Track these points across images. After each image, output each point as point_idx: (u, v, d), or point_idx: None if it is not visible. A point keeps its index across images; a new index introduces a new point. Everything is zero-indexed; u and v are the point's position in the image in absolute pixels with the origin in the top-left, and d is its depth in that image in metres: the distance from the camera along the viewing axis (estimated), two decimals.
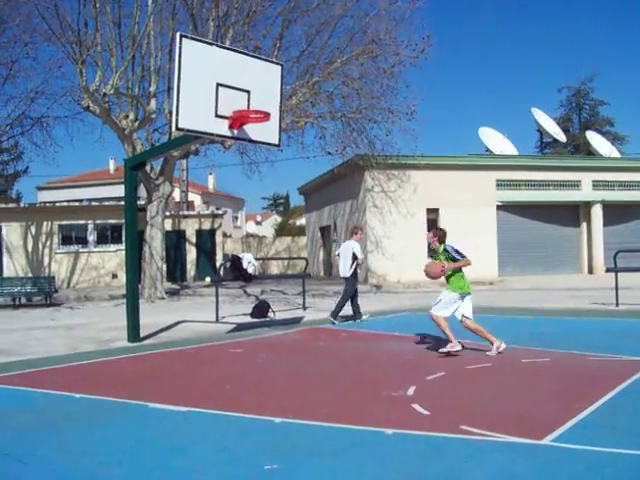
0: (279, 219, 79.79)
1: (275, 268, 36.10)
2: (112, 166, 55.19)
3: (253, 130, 10.54)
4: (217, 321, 14.86)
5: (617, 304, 16.07)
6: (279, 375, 8.61)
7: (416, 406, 6.53)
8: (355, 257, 14.26)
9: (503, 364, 8.94)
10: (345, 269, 14.46)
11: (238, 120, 10.18)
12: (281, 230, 59.65)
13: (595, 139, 37.57)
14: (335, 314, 14.22)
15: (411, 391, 7.24)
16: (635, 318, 13.94)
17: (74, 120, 26.49)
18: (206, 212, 35.25)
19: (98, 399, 7.16)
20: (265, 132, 10.81)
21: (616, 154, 37.15)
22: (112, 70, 20.08)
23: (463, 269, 10.42)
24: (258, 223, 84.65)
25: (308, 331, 13.26)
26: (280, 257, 37.03)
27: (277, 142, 11.24)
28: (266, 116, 10.14)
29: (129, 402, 6.98)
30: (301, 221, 61.86)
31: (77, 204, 32.86)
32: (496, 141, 35.02)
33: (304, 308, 17.34)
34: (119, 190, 45.67)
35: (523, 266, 29.37)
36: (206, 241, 33.17)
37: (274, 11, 20.60)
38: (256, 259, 16.38)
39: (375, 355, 10.12)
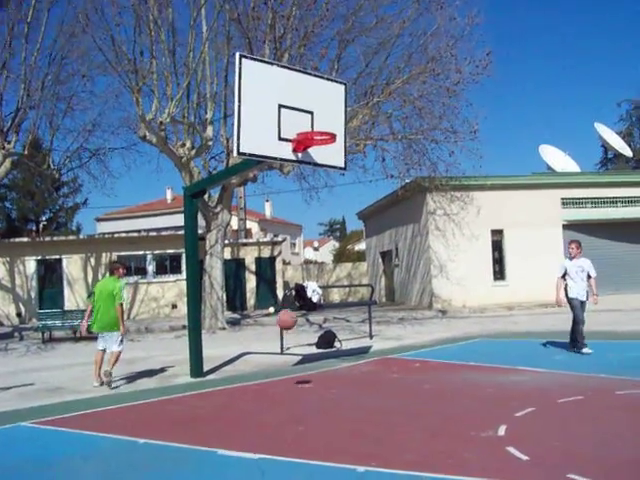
0: (336, 244, 79.30)
1: (336, 295, 35.46)
2: (169, 195, 55.57)
3: (317, 153, 10.04)
4: (282, 352, 14.31)
5: None
6: (354, 413, 7.98)
7: (512, 449, 5.88)
8: (589, 276, 12.39)
9: (595, 397, 8.21)
10: (581, 290, 12.25)
11: (302, 143, 9.70)
12: (340, 256, 59.00)
13: None
14: (578, 344, 12.27)
15: (502, 431, 6.59)
16: None
17: (130, 151, 26.53)
18: (265, 240, 34.94)
19: (163, 445, 6.66)
20: (330, 155, 10.30)
21: None
22: (168, 98, 19.93)
23: None
24: (315, 249, 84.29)
25: (378, 362, 12.61)
26: (343, 285, 36.37)
27: (343, 165, 10.72)
28: (332, 138, 9.64)
29: (196, 448, 6.45)
30: (360, 246, 61.23)
31: (135, 234, 32.87)
32: (557, 158, 33.92)
33: (371, 337, 16.68)
34: (176, 220, 45.84)
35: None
36: (266, 269, 32.80)
37: (331, 32, 20.22)
38: (321, 287, 15.76)
39: (454, 388, 9.43)
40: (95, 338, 11.70)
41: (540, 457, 5.69)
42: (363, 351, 14.12)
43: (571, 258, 12.39)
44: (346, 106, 10.75)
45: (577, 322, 12.25)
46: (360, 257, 48.01)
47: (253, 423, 7.62)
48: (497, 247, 27.57)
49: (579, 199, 28.43)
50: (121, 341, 11.04)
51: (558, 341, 14.49)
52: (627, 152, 36.26)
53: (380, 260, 35.65)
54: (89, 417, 8.37)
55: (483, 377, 10.23)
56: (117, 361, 11.00)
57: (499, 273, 27.52)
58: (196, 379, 11.15)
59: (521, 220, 27.06)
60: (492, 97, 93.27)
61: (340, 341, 15.24)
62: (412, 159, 22.06)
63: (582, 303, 12.31)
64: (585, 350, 12.00)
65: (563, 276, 12.41)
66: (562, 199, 28.16)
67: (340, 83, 10.89)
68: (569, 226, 28.09)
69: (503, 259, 27.53)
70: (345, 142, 10.76)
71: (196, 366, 11.37)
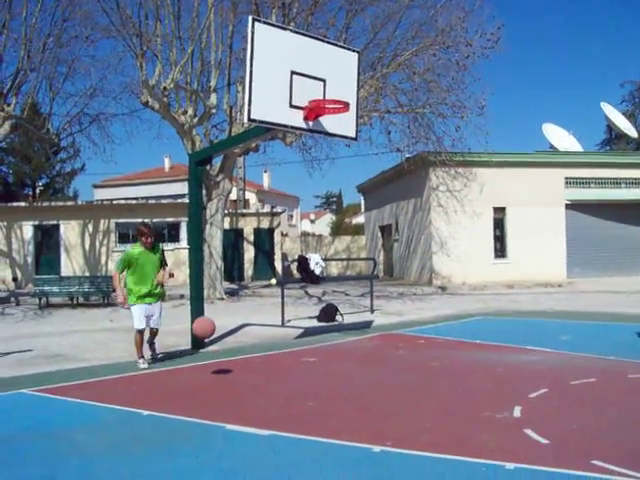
0: (333, 217, 79.04)
1: (334, 269, 35.27)
2: (167, 164, 55.13)
3: (329, 122, 9.77)
4: (283, 325, 14.14)
5: None
6: (363, 390, 7.79)
7: (530, 432, 5.69)
8: None
9: (607, 379, 8.02)
10: None
11: (314, 111, 9.42)
12: (337, 229, 58.81)
13: None
14: None
15: (517, 412, 6.40)
16: None
17: (132, 117, 26.07)
18: (264, 210, 34.68)
19: (168, 418, 6.45)
20: (341, 124, 10.03)
21: None
22: (171, 64, 19.58)
23: None
24: (312, 222, 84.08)
25: (382, 337, 12.42)
26: (345, 258, 36.19)
27: (354, 135, 10.46)
28: (345, 106, 9.37)
29: (203, 423, 6.24)
30: (357, 220, 61.03)
31: (134, 202, 32.57)
32: (560, 138, 33.71)
33: (372, 311, 16.52)
34: (173, 188, 45.48)
35: (592, 267, 28.00)
36: (264, 240, 32.59)
37: (339, 1, 19.83)
38: (323, 260, 15.55)
39: (463, 367, 9.25)
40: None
41: (561, 441, 5.49)
42: (365, 326, 13.96)
43: None
44: (359, 75, 10.47)
45: None
46: (357, 230, 47.83)
47: (260, 397, 7.42)
48: (499, 225, 27.40)
49: (583, 179, 28.22)
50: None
51: (563, 321, 14.38)
52: (632, 133, 35.97)
53: (379, 234, 35.47)
54: (90, 386, 8.18)
55: (491, 356, 10.05)
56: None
57: (500, 251, 27.38)
58: (198, 350, 10.96)
59: (524, 198, 26.89)
60: (499, 74, 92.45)
61: (342, 315, 15.07)
62: (418, 133, 21.79)
63: None
64: None
65: None
66: (566, 178, 27.96)
67: (353, 51, 10.59)
68: (572, 206, 27.93)
69: (504, 237, 27.39)
70: (357, 112, 10.50)
71: None
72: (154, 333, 9.86)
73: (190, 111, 20.83)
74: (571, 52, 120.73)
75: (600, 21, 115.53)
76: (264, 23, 9.27)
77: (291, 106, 9.28)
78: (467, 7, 20.37)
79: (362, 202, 47.74)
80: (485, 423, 6.11)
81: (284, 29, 9.87)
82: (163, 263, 9.78)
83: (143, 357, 9.44)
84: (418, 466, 4.98)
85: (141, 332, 9.45)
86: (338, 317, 14.89)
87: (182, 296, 20.88)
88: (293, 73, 9.28)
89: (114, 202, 32.93)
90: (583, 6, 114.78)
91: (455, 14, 20.09)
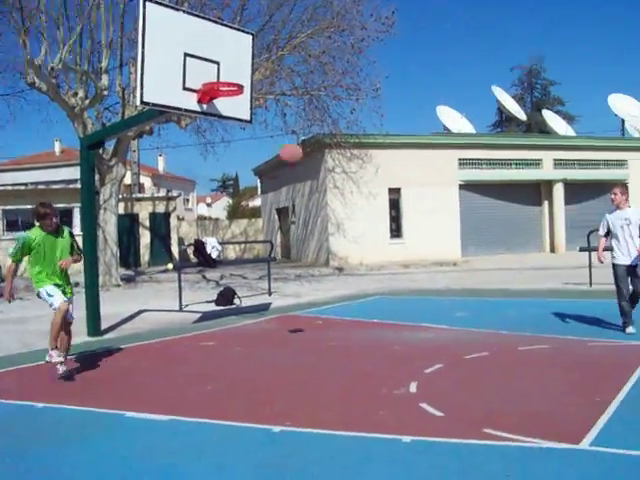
0: (230, 201, 78.58)
1: (232, 252, 35.15)
2: (58, 148, 53.37)
3: (223, 105, 9.70)
4: (181, 310, 14.00)
5: (590, 284, 15.69)
6: (262, 372, 7.84)
7: (425, 406, 5.90)
8: None
9: (500, 352, 8.37)
10: (628, 252, 9.34)
11: (208, 93, 9.33)
12: (234, 212, 58.45)
13: (551, 118, 37.45)
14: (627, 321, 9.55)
15: (414, 387, 6.62)
16: (611, 298, 13.44)
17: (16, 98, 24.74)
18: (160, 195, 34.15)
19: (66, 408, 6.31)
20: (236, 107, 9.98)
21: (571, 133, 37.03)
22: (59, 43, 18.79)
23: None
24: (209, 205, 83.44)
25: (280, 319, 12.50)
26: (242, 241, 36.11)
27: (249, 118, 10.41)
28: (239, 89, 9.32)
29: (102, 411, 6.15)
30: (254, 203, 60.89)
31: (23, 188, 31.41)
32: (454, 119, 34.64)
33: (269, 294, 16.56)
34: (65, 173, 43.98)
35: (486, 246, 28.98)
36: (160, 225, 32.10)
37: None
38: (219, 243, 15.47)
39: (360, 346, 9.42)
40: None
41: (454, 413, 5.72)
42: (263, 308, 14.00)
43: (614, 209, 9.58)
44: (253, 58, 10.43)
45: (618, 296, 9.50)
46: (255, 213, 47.74)
47: (159, 383, 7.36)
48: (394, 205, 27.86)
49: (475, 160, 29.03)
50: None
51: (458, 299, 14.83)
52: (522, 116, 37.37)
53: (276, 217, 35.50)
54: None
55: (388, 334, 10.28)
56: None
57: (396, 231, 27.87)
58: (94, 338, 10.73)
59: (418, 179, 27.45)
60: (394, 56, 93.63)
61: (240, 298, 15.05)
62: (314, 115, 21.88)
63: (633, 269, 9.32)
64: (628, 330, 9.36)
65: (606, 235, 9.71)
66: (459, 159, 28.70)
67: (248, 33, 10.52)
68: (465, 186, 28.74)
69: (400, 217, 27.88)
70: (252, 94, 10.47)
71: (94, 324, 10.95)
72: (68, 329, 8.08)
73: (81, 93, 20.15)
74: (463, 36, 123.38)
75: (491, 7, 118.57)
76: (155, 3, 9.05)
77: (185, 89, 9.16)
78: None
79: (259, 185, 47.66)
80: (383, 400, 6.27)
81: (177, 10, 9.70)
82: (76, 250, 8.27)
83: (57, 348, 7.70)
84: (317, 443, 5.07)
85: (63, 314, 7.69)
86: (236, 300, 14.85)
87: (77, 284, 20.28)
88: (187, 55, 9.15)
89: (1, 188, 31.66)
90: None
91: None
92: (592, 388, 6.41)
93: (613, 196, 9.58)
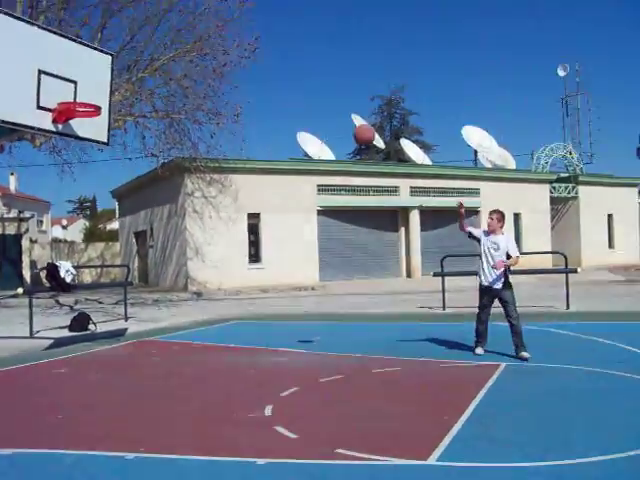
0: (87, 223, 76.37)
1: (88, 276, 34.09)
2: None
3: (80, 125, 9.44)
4: (31, 336, 13.43)
5: (444, 307, 16.33)
6: (116, 398, 7.65)
7: (280, 429, 5.96)
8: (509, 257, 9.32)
9: (354, 375, 8.58)
10: (497, 275, 9.26)
11: (64, 113, 9.06)
12: (91, 235, 56.83)
13: (409, 147, 38.78)
14: (521, 347, 9.20)
15: (269, 411, 6.66)
16: (463, 321, 14.10)
17: None
18: (10, 216, 32.73)
19: None
20: (93, 128, 9.73)
21: (428, 162, 38.48)
22: None
23: None
24: (64, 227, 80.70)
25: (136, 344, 12.25)
26: (97, 265, 35.10)
27: (106, 140, 10.18)
28: (97, 110, 9.12)
29: None
30: (112, 225, 59.44)
31: None
32: (314, 146, 35.22)
33: (126, 319, 16.18)
34: None
35: (344, 271, 29.58)
36: (11, 247, 30.71)
37: None
38: (75, 267, 15.00)
39: (216, 371, 9.40)
40: None
41: (308, 434, 5.81)
42: (119, 334, 13.68)
43: (488, 232, 9.45)
44: (113, 79, 10.25)
45: (477, 316, 9.73)
46: (112, 237, 46.62)
47: (5, 414, 7.04)
48: (254, 230, 27.94)
49: (334, 186, 29.59)
50: None
51: (314, 323, 15.06)
52: (380, 144, 38.42)
53: (134, 240, 34.82)
54: None
55: (244, 359, 10.30)
56: None
57: (255, 256, 27.94)
58: None
59: (278, 205, 27.71)
60: (257, 81, 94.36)
61: (95, 323, 14.62)
62: (174, 138, 21.67)
63: (489, 290, 9.39)
64: (477, 351, 9.68)
65: (470, 235, 9.68)
66: (318, 185, 29.16)
67: (107, 54, 10.34)
68: (323, 212, 29.22)
69: (259, 242, 27.98)
70: (110, 116, 10.27)
71: None
72: None
73: None
74: (323, 65, 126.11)
75: (349, 39, 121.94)
76: (6, 14, 8.73)
77: (39, 107, 8.87)
78: (226, 16, 20.60)
79: (117, 208, 46.59)
80: (237, 423, 6.29)
81: (31, 24, 9.39)
82: None
83: None
84: (173, 469, 5.02)
85: None
86: (91, 326, 14.42)
87: None
88: (41, 72, 8.87)
89: None
90: (334, 24, 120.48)
91: (214, 22, 20.24)
92: (441, 407, 6.69)
93: (489, 221, 9.40)
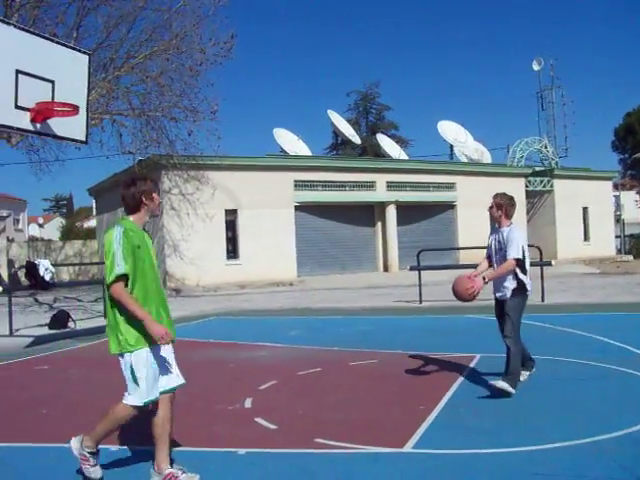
0: (63, 221, 75.93)
1: (66, 274, 33.98)
2: None
3: (58, 124, 9.55)
4: (11, 334, 13.49)
5: (420, 301, 16.54)
6: (98, 394, 7.78)
7: (260, 420, 6.15)
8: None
9: (332, 368, 8.78)
10: (499, 282, 7.12)
11: (42, 113, 9.16)
12: (68, 233, 56.56)
13: (385, 142, 39.01)
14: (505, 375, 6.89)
15: (248, 403, 6.85)
16: (439, 314, 14.41)
17: None
18: None
19: None
20: (71, 127, 9.83)
21: (404, 157, 38.75)
22: None
23: None
24: (41, 226, 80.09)
25: None
26: (79, 263, 34.95)
27: (84, 138, 10.30)
28: (74, 110, 9.24)
29: None
30: (89, 223, 59.19)
31: None
32: (291, 142, 35.35)
33: (105, 316, 16.22)
34: None
35: (322, 266, 29.74)
36: None
37: None
38: (53, 265, 15.06)
39: (197, 366, 9.49)
40: None
41: (288, 425, 6.00)
42: (99, 331, 13.72)
43: (497, 228, 7.23)
44: (90, 78, 10.34)
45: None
46: (90, 235, 46.42)
47: None
48: (231, 227, 28.00)
49: (311, 181, 29.70)
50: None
51: (292, 317, 15.24)
52: (356, 139, 38.63)
53: None
54: None
55: (224, 353, 10.46)
56: None
57: (232, 252, 27.99)
58: None
59: (255, 200, 27.77)
60: (233, 79, 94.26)
61: (74, 321, 14.70)
62: (150, 136, 21.70)
63: (496, 301, 7.26)
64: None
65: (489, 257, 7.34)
66: (295, 181, 29.26)
67: (84, 53, 10.43)
68: (301, 207, 29.33)
69: (237, 239, 28.03)
70: (87, 115, 10.37)
71: None
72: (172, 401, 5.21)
73: None
74: (299, 62, 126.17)
75: (327, 33, 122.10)
76: None
77: (17, 107, 8.95)
78: (201, 14, 20.67)
79: (94, 205, 46.41)
80: (217, 416, 6.47)
81: (7, 23, 9.47)
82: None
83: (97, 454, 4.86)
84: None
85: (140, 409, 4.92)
86: (70, 324, 14.50)
87: None
88: (19, 72, 8.95)
89: None
90: (310, 21, 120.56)
91: (190, 20, 20.31)
92: (417, 397, 6.89)
93: (489, 211, 7.22)
